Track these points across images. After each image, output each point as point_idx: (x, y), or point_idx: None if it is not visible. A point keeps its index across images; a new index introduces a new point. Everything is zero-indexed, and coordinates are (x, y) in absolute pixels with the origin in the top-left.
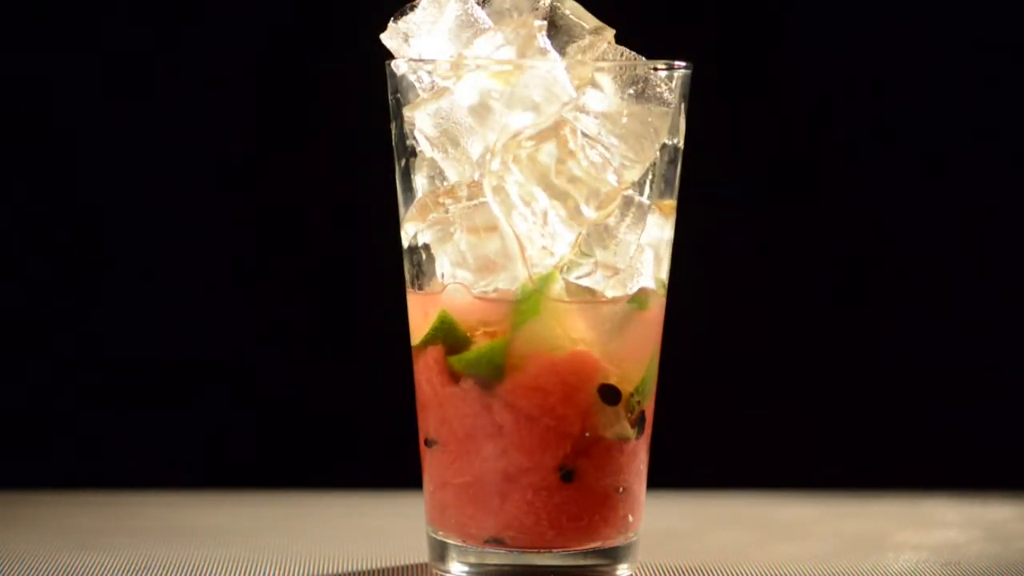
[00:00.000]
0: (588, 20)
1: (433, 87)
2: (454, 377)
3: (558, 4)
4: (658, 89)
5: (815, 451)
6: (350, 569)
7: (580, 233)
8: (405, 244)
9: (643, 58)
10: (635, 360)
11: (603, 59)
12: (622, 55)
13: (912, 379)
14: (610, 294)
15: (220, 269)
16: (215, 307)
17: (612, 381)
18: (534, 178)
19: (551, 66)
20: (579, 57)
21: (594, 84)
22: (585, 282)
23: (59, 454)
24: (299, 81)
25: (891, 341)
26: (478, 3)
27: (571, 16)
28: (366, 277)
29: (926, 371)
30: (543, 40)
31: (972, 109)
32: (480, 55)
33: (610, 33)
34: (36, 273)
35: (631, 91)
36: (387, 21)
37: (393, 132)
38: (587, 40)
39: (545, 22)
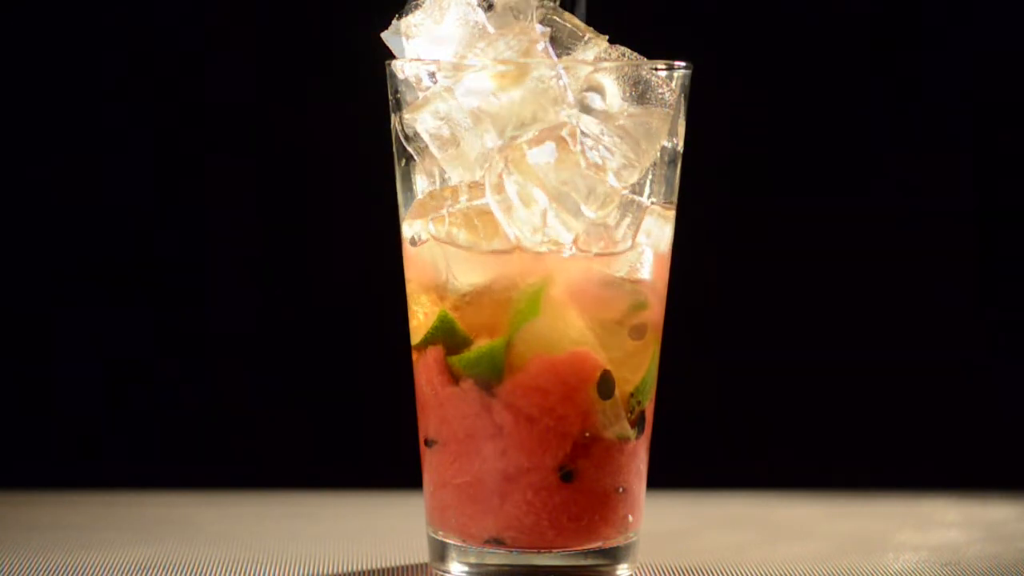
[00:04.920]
0: (582, 29)
1: (434, 88)
2: (454, 377)
3: (553, 14)
4: (659, 90)
5: (815, 451)
6: (350, 569)
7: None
8: (405, 244)
9: (643, 58)
10: (635, 360)
11: (604, 60)
12: (623, 56)
13: (912, 379)
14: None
15: (220, 269)
16: (215, 307)
17: (610, 377)
18: (533, 179)
19: (551, 69)
20: (580, 58)
21: (595, 85)
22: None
23: (59, 454)
24: (299, 80)
25: (892, 341)
26: (481, 6)
27: (566, 25)
28: (366, 277)
29: (926, 371)
30: (544, 46)
31: (974, 110)
32: (481, 58)
33: (603, 41)
34: (36, 273)
35: (632, 92)
36: (387, 21)
37: (393, 132)
38: (581, 50)
39: (548, 29)
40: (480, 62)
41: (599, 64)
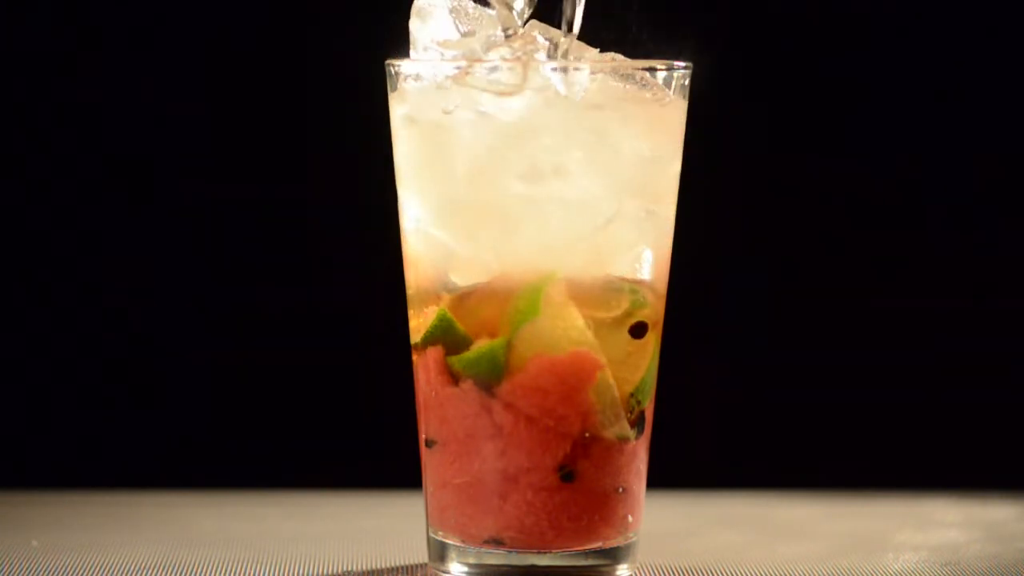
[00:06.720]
0: (572, 41)
1: (434, 90)
2: (454, 377)
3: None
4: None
5: (815, 451)
6: (350, 569)
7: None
8: (405, 243)
9: (625, 59)
10: (634, 360)
11: (602, 63)
12: (612, 59)
13: (912, 378)
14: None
15: (220, 269)
16: (215, 307)
17: (611, 381)
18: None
19: (549, 76)
20: (578, 62)
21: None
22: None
23: (59, 454)
24: (299, 80)
25: (891, 341)
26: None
27: (555, 37)
28: (366, 277)
29: (926, 370)
30: (544, 56)
31: (973, 108)
32: (481, 62)
33: (593, 52)
34: (36, 273)
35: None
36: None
37: (393, 132)
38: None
39: (548, 42)
40: (479, 64)
41: (599, 65)
